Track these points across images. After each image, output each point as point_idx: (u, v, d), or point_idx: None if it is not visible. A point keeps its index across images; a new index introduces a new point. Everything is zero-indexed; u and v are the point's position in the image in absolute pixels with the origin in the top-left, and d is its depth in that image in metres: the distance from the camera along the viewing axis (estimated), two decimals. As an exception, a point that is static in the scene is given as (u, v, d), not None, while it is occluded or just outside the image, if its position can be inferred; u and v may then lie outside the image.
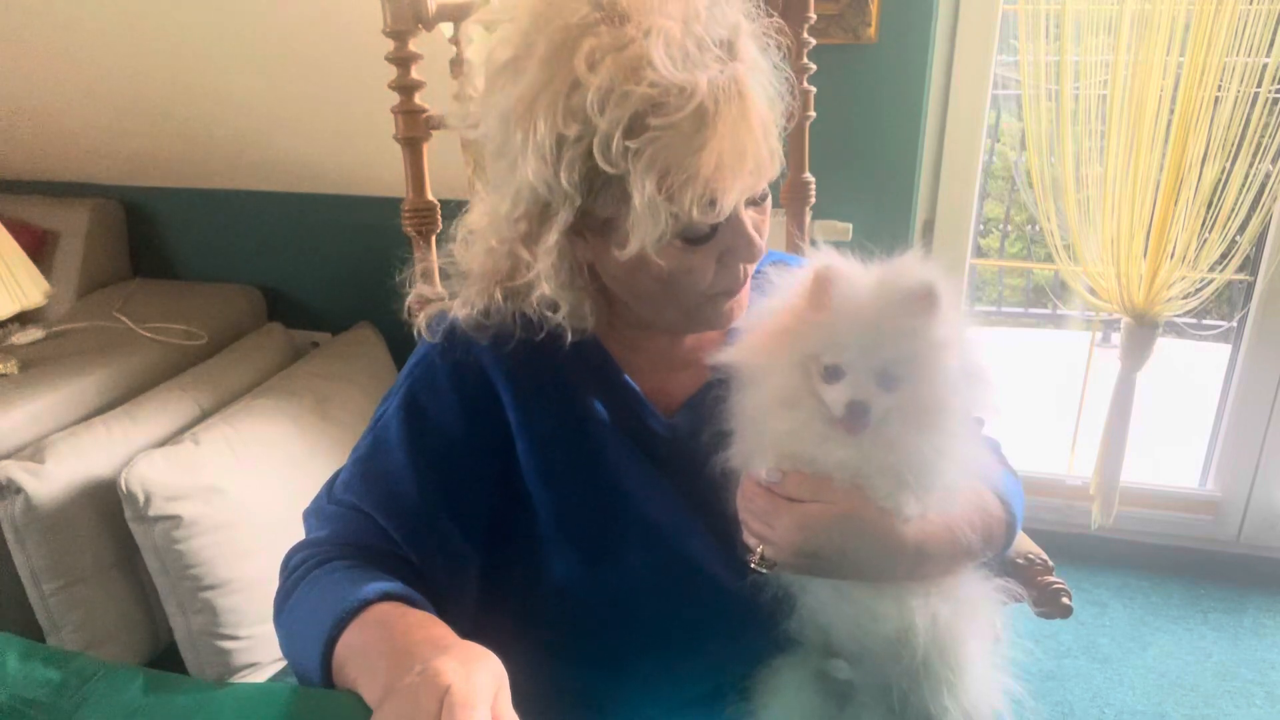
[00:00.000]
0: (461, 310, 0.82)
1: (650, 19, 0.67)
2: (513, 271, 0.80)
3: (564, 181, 0.70)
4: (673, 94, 0.66)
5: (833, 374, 0.71)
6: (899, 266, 0.72)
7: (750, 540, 0.76)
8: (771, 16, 0.76)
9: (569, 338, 0.79)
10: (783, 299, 0.77)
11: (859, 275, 0.72)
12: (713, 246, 0.74)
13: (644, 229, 0.69)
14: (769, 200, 0.78)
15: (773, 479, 0.74)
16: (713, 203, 0.69)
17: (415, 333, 0.87)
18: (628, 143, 0.66)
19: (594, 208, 0.73)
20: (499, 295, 0.80)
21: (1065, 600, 0.98)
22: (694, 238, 0.73)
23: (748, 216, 0.75)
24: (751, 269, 0.79)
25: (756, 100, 0.69)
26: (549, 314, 0.79)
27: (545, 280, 0.76)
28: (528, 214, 0.75)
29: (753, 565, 0.76)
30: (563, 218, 0.72)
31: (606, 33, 0.67)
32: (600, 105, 0.66)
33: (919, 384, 0.71)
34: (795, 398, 0.73)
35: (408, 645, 0.62)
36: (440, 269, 0.88)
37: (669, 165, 0.67)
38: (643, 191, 0.67)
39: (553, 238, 0.74)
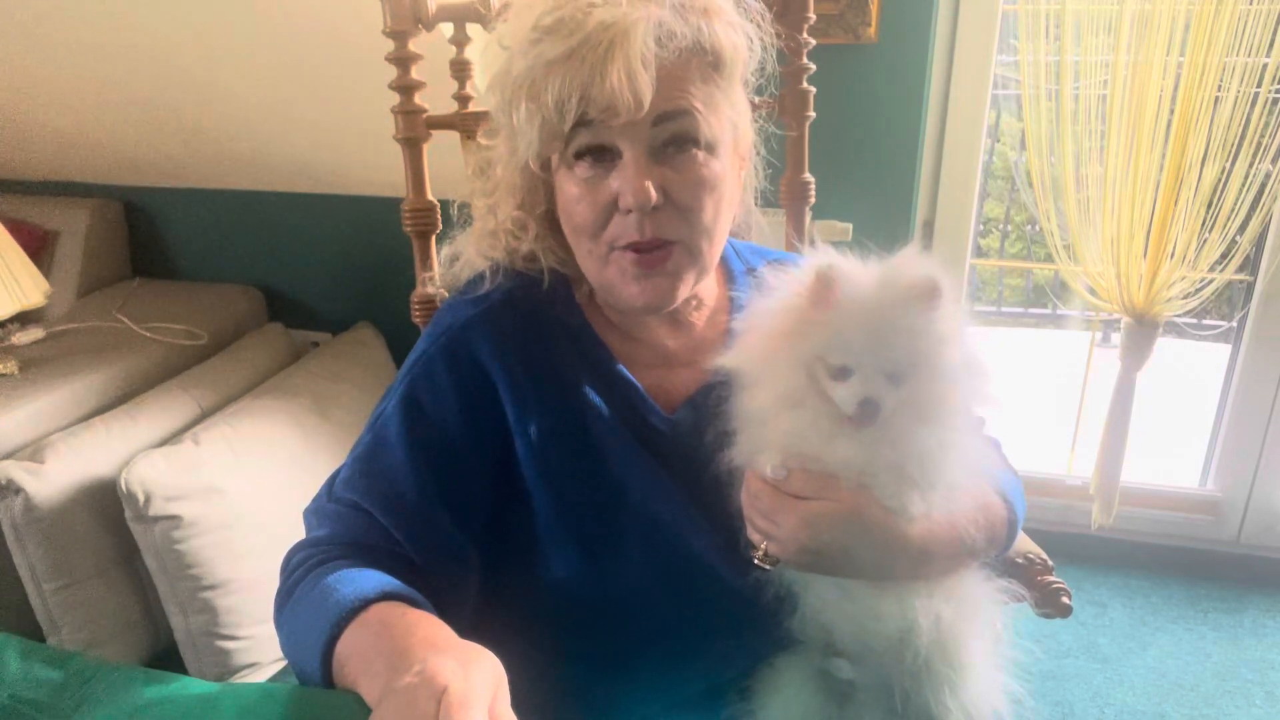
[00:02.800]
0: (464, 271, 0.89)
1: None
2: (496, 230, 0.87)
3: (496, 106, 0.81)
4: (564, 23, 0.74)
5: (842, 373, 0.71)
6: (900, 263, 0.73)
7: (754, 537, 0.76)
8: None
9: (546, 281, 0.85)
10: (780, 299, 0.76)
11: (861, 273, 0.72)
12: (598, 178, 0.78)
13: (524, 136, 0.78)
14: (701, 167, 0.78)
15: (778, 475, 0.74)
16: (563, 107, 0.74)
17: (436, 297, 0.97)
18: (519, 66, 0.76)
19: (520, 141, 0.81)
20: (488, 252, 0.87)
21: (1065, 600, 0.98)
22: (574, 153, 0.78)
23: (651, 169, 0.76)
24: (653, 201, 0.77)
25: (637, 42, 0.73)
26: (530, 265, 0.86)
27: (509, 203, 0.85)
28: (498, 155, 0.85)
29: (756, 561, 0.76)
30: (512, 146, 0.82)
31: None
32: (512, 31, 0.78)
33: (923, 379, 0.71)
34: (799, 398, 0.73)
35: (407, 645, 0.62)
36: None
37: (540, 77, 0.75)
38: (519, 105, 0.77)
39: (513, 164, 0.83)
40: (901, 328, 0.70)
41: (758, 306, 0.79)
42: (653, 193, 0.76)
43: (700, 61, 0.77)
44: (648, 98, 0.73)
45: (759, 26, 0.83)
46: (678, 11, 0.75)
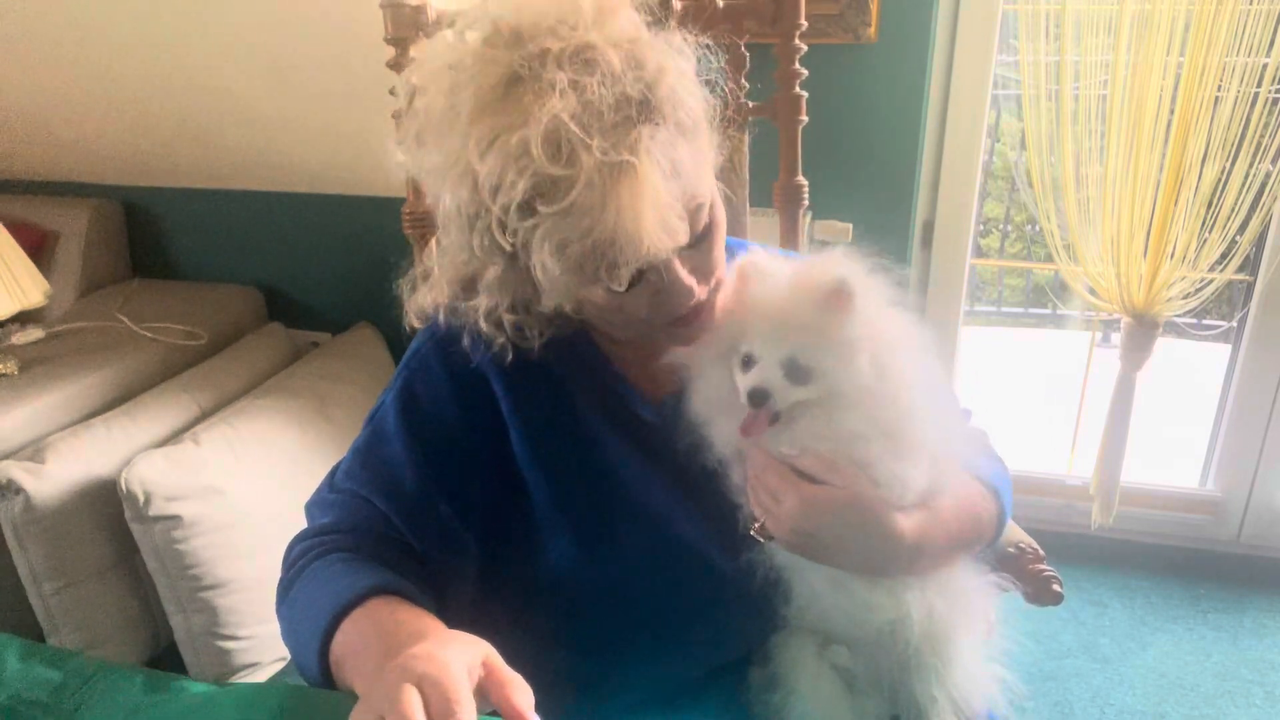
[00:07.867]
0: (430, 300, 0.85)
1: (547, 99, 0.64)
2: (471, 283, 0.81)
3: (477, 249, 0.72)
4: (557, 182, 0.65)
5: (747, 363, 0.75)
6: (819, 263, 0.75)
7: (756, 510, 0.78)
8: (704, 35, 0.75)
9: (509, 357, 0.80)
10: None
11: (779, 270, 0.76)
12: (642, 290, 0.73)
13: (553, 291, 0.72)
14: (714, 235, 0.75)
15: (791, 451, 0.76)
16: (613, 269, 0.68)
17: (406, 326, 0.89)
18: (521, 223, 0.67)
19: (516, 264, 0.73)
20: (458, 298, 0.82)
21: (1056, 588, 0.98)
22: (614, 290, 0.72)
23: (682, 259, 0.73)
24: (700, 297, 0.76)
25: (651, 173, 0.66)
26: (493, 331, 0.80)
27: (488, 297, 0.78)
28: (467, 261, 0.77)
29: (752, 533, 0.78)
30: (492, 271, 0.75)
31: (500, 112, 0.66)
32: (492, 190, 0.67)
33: (832, 377, 0.73)
34: (730, 398, 0.76)
35: (395, 641, 0.63)
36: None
37: (563, 241, 0.67)
38: (542, 265, 0.69)
39: (491, 277, 0.76)
40: (801, 325, 0.72)
41: None
42: (699, 290, 0.75)
43: (689, 145, 0.71)
44: (684, 234, 0.70)
45: (683, 55, 0.74)
46: (652, 111, 0.67)
